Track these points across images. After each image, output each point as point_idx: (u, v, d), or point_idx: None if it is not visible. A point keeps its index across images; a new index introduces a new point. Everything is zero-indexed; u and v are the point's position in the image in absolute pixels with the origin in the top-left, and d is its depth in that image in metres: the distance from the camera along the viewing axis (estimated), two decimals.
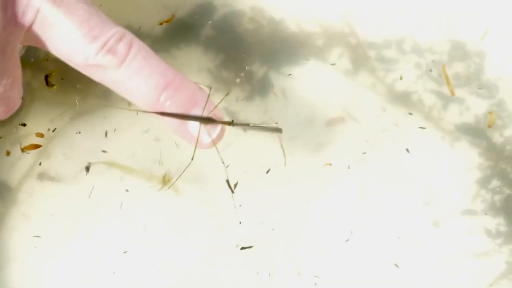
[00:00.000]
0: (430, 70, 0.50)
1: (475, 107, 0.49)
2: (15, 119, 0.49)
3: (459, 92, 0.50)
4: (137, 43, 0.38)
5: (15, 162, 0.48)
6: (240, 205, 0.46)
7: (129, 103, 0.48)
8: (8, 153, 0.48)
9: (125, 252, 0.46)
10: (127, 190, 0.47)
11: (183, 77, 0.38)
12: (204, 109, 0.38)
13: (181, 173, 0.46)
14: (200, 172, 0.48)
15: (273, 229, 0.46)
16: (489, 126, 0.48)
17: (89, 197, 0.47)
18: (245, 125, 0.46)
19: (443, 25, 0.51)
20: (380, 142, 0.49)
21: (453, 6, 0.51)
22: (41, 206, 0.47)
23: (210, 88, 0.40)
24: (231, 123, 0.40)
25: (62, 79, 0.50)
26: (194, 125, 0.38)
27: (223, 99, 0.43)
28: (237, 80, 0.47)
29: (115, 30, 0.37)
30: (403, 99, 0.49)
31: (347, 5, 0.51)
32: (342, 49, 0.50)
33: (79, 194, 0.47)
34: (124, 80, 0.37)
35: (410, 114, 0.49)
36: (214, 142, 0.39)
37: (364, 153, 0.48)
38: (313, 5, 0.51)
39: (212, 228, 0.47)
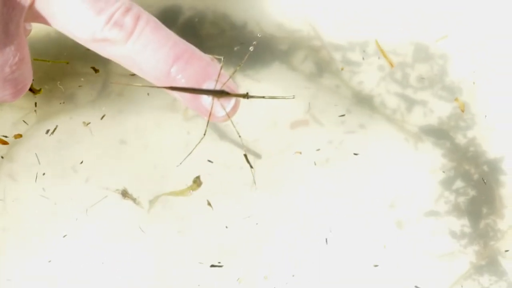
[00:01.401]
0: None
1: (438, 109, 0.50)
2: None
3: (423, 95, 0.50)
4: (145, 15, 0.36)
5: None
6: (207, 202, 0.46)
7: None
8: None
9: (115, 255, 0.46)
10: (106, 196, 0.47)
11: (194, 49, 0.37)
12: (217, 81, 0.37)
13: (191, 151, 0.44)
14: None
15: (257, 224, 0.46)
16: (462, 111, 0.48)
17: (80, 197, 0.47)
18: (261, 97, 0.41)
19: (406, 28, 0.51)
20: (344, 144, 0.49)
21: (417, 9, 0.52)
22: (26, 205, 0.47)
23: (223, 59, 0.38)
24: (245, 96, 0.39)
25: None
26: (207, 98, 0.37)
27: (235, 71, 0.42)
28: (250, 48, 0.45)
29: (121, 2, 0.35)
30: (367, 101, 0.50)
31: (311, 8, 0.52)
32: (306, 52, 0.51)
33: (67, 194, 0.47)
34: (133, 54, 0.36)
35: (374, 116, 0.49)
36: (229, 115, 0.38)
37: (328, 155, 0.48)
38: (277, 9, 0.52)
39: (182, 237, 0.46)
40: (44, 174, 0.47)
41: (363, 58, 0.50)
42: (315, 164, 0.48)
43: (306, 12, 0.52)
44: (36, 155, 0.48)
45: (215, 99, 0.37)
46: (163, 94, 0.50)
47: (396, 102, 0.50)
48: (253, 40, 0.51)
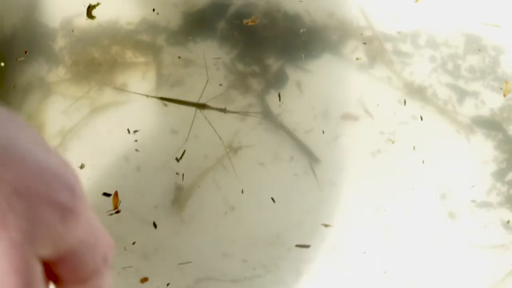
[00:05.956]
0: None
1: (490, 101, 0.49)
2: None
3: (474, 86, 0.50)
4: None
5: None
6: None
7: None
8: None
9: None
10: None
11: None
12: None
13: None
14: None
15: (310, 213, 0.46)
16: (504, 95, 0.48)
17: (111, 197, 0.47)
18: (236, 112, 0.47)
19: (458, 19, 0.51)
20: (396, 135, 0.49)
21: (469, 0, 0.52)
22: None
23: (207, 80, 0.44)
24: (223, 110, 0.45)
25: (76, 69, 0.50)
26: None
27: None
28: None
29: None
30: (419, 92, 0.49)
31: None
32: (357, 43, 0.51)
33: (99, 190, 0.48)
34: None
35: (426, 107, 0.49)
36: None
37: (380, 146, 0.48)
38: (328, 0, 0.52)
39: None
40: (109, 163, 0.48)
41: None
42: (370, 155, 0.48)
43: (358, 2, 0.51)
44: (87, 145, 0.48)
45: None
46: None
47: (447, 93, 0.50)
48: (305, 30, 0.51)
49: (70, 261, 0.26)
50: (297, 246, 0.46)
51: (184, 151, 0.47)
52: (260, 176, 0.47)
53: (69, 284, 0.27)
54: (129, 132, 0.48)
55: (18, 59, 0.50)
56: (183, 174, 0.47)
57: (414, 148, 0.48)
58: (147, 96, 0.46)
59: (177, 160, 0.47)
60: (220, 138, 0.48)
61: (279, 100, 0.49)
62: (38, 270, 0.23)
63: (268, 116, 0.49)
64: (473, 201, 0.47)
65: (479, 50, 0.50)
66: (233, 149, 0.48)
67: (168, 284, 0.45)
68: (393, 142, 0.48)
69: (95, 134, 0.49)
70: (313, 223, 0.47)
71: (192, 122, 0.48)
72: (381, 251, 0.46)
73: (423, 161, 0.48)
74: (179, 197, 0.47)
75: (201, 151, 0.48)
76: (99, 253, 0.28)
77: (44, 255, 0.24)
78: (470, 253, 0.46)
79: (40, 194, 0.23)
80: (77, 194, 0.24)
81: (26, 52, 0.50)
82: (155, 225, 0.46)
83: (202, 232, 0.46)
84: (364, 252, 0.46)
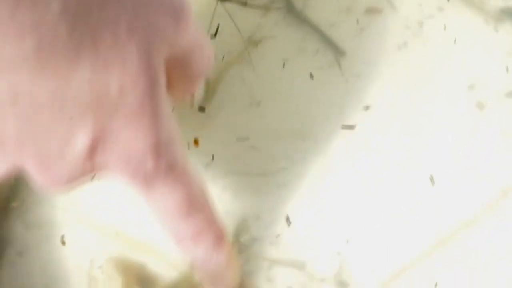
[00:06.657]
0: None
1: None
2: None
3: None
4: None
5: None
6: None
7: None
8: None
9: None
10: None
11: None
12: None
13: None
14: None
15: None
16: None
17: None
18: (258, 7, 0.46)
19: None
20: (422, 28, 0.48)
21: None
22: None
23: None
24: (245, 3, 0.45)
25: None
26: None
27: None
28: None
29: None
30: None
31: None
32: None
33: None
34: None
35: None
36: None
37: (406, 39, 0.48)
38: None
39: None
40: None
41: None
42: (396, 48, 0.47)
43: None
44: None
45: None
46: None
47: None
48: None
49: (183, 62, 0.31)
50: (343, 127, 0.45)
51: (218, 24, 0.47)
52: (284, 69, 0.47)
53: (179, 85, 0.33)
54: None
55: None
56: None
57: (440, 40, 0.47)
58: None
59: (214, 35, 0.47)
60: (241, 33, 0.47)
61: None
62: (162, 70, 0.28)
63: (291, 11, 0.48)
64: (502, 90, 0.46)
65: None
66: (255, 43, 0.47)
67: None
68: (420, 33, 0.47)
69: None
70: (338, 115, 0.46)
71: (212, 16, 0.47)
72: (409, 141, 0.45)
73: (450, 53, 0.47)
74: (204, 92, 0.47)
75: (224, 46, 0.47)
76: (205, 54, 0.34)
77: (164, 57, 0.28)
78: (499, 142, 0.45)
79: (157, 8, 0.27)
80: (186, 2, 0.29)
81: None
82: (202, 109, 0.46)
83: (228, 127, 0.46)
84: (390, 144, 0.46)
